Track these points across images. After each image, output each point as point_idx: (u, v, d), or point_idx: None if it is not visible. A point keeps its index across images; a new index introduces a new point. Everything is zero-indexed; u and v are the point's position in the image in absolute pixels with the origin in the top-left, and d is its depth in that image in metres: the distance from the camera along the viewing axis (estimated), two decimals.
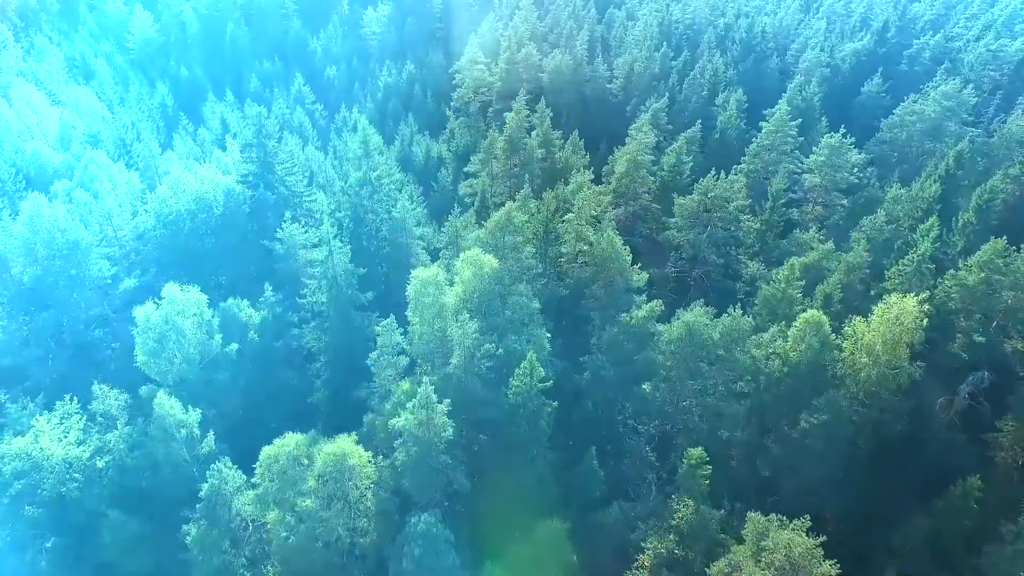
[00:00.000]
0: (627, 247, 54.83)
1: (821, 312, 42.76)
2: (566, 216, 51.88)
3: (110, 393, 42.68)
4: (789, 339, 43.13)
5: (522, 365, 37.70)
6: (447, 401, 36.01)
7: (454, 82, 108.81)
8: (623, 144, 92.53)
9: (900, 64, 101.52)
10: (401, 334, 44.69)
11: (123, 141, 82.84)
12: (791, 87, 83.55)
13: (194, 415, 39.30)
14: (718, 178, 56.37)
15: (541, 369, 37.71)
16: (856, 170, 66.46)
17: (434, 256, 62.94)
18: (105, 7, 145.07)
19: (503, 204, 73.36)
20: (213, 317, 45.03)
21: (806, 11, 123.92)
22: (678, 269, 60.75)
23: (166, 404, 37.21)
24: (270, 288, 50.77)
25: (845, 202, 66.20)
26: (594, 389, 49.19)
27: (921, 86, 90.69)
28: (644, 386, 47.04)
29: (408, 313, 45.37)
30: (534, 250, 47.89)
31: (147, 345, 40.72)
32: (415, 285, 43.74)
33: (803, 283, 47.35)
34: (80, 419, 40.45)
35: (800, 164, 67.97)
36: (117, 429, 40.59)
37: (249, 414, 50.36)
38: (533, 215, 50.17)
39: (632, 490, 46.52)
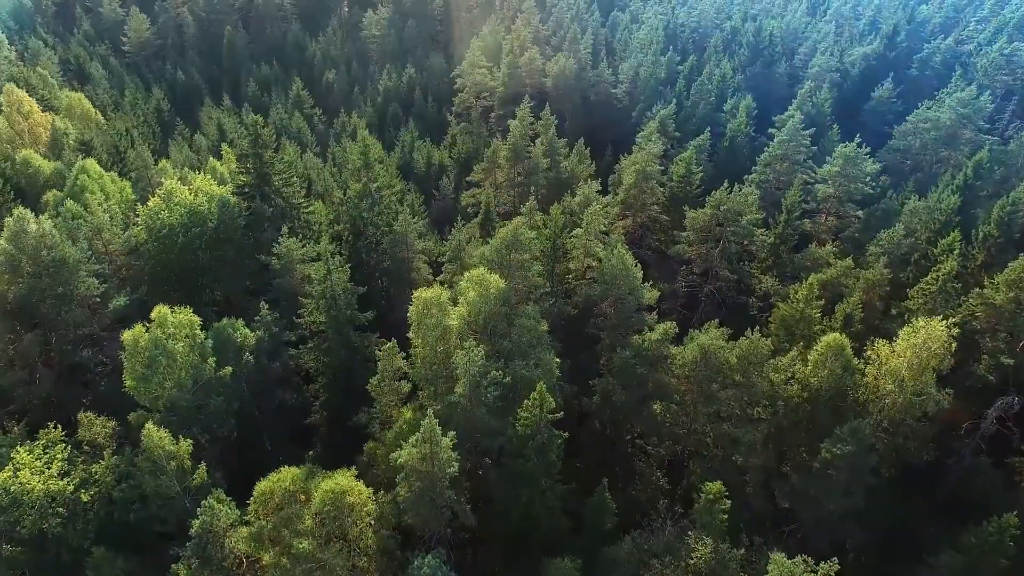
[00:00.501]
0: (636, 261, 53.12)
1: (842, 334, 40.70)
2: (574, 231, 49.87)
3: (96, 421, 40.66)
4: (809, 363, 41.13)
5: (531, 396, 35.69)
6: (452, 434, 34.00)
7: (455, 87, 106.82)
8: (629, 151, 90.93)
9: (910, 68, 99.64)
10: (404, 358, 42.66)
11: (117, 148, 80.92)
12: (801, 93, 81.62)
13: (185, 445, 37.26)
14: (731, 191, 54.36)
15: (551, 400, 35.70)
16: (870, 179, 64.41)
17: (436, 269, 61.03)
18: (101, 9, 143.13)
19: (507, 215, 71.94)
20: (206, 339, 42.99)
21: (812, 14, 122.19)
22: (689, 284, 58.74)
23: (155, 436, 35.18)
24: (266, 307, 48.71)
25: (860, 213, 64.21)
26: (604, 411, 47.20)
27: (935, 92, 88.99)
28: (655, 408, 45.06)
29: (410, 335, 43.35)
30: (541, 267, 45.87)
31: (135, 371, 38.70)
32: (417, 306, 41.71)
33: (822, 302, 45.33)
34: (64, 449, 38.41)
35: (813, 174, 65.97)
36: (104, 460, 38.56)
37: (245, 435, 48.40)
38: (540, 231, 48.16)
39: (645, 518, 44.45)
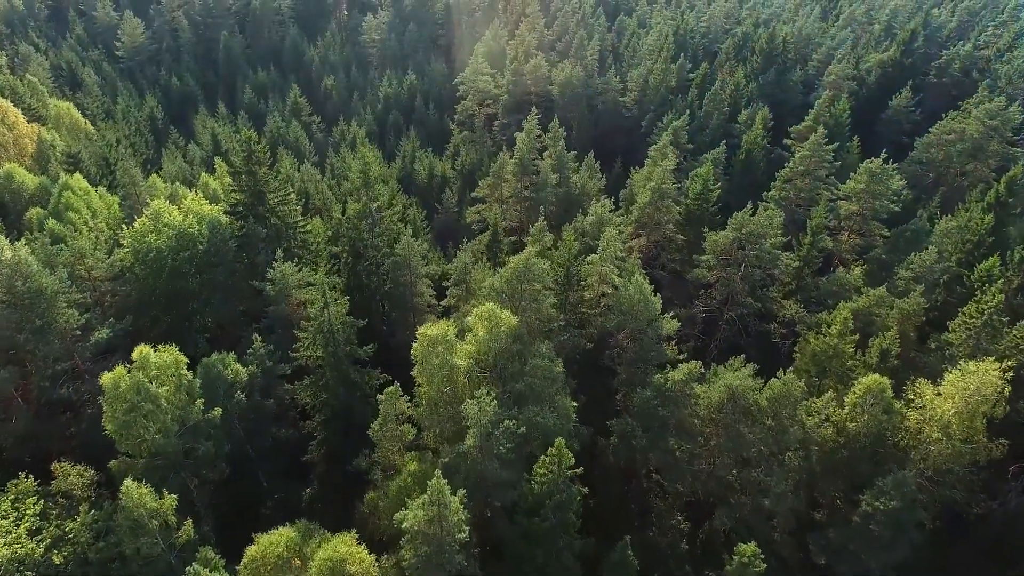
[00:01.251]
0: (651, 283, 49.97)
1: (881, 375, 37.50)
2: (588, 257, 46.65)
3: (73, 471, 37.43)
4: (846, 405, 37.95)
5: (549, 452, 32.49)
6: (461, 493, 30.81)
7: (458, 94, 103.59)
8: (639, 162, 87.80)
9: (928, 75, 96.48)
10: (408, 400, 39.44)
11: (106, 160, 77.71)
12: (819, 103, 78.35)
13: (169, 500, 34.05)
14: (754, 212, 51.14)
15: (569, 456, 32.50)
16: (895, 195, 61.22)
17: (440, 292, 57.74)
18: (95, 13, 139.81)
19: (514, 230, 68.74)
20: (194, 378, 39.75)
21: (824, 18, 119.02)
22: (708, 308, 55.51)
23: (135, 494, 31.97)
24: (259, 339, 45.50)
25: (886, 232, 60.96)
26: (621, 451, 44.00)
27: (956, 101, 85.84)
28: (675, 449, 41.88)
29: (414, 373, 40.22)
30: (555, 299, 42.62)
31: (116, 417, 35.48)
32: (422, 345, 38.57)
33: (855, 336, 42.10)
34: (37, 503, 35.21)
35: (836, 190, 62.76)
36: (80, 515, 35.32)
37: (238, 473, 45.22)
38: (553, 258, 44.96)
39: (665, 571, 41.33)
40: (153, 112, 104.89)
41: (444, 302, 55.71)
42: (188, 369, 40.24)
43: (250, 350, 45.72)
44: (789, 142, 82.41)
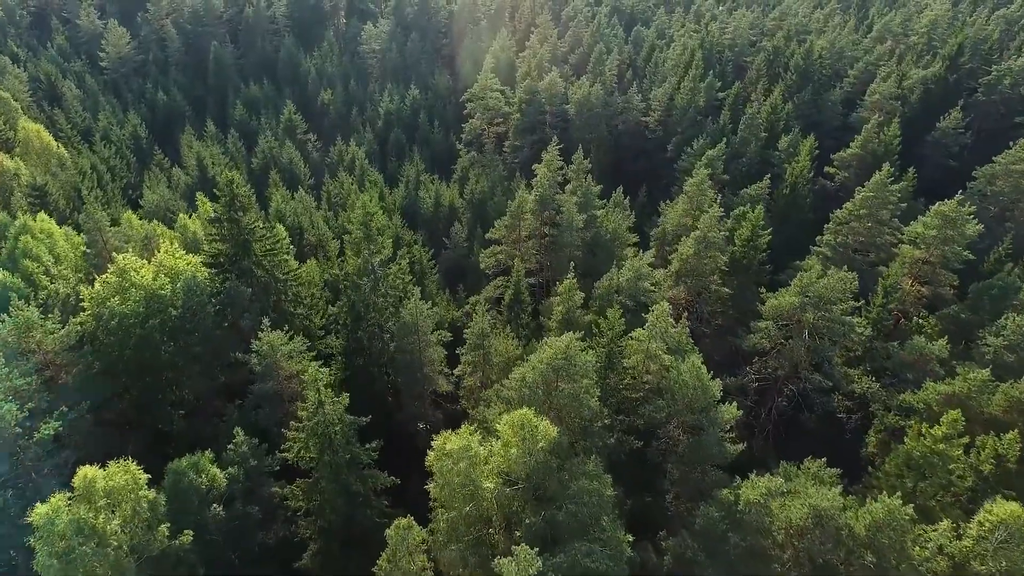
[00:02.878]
0: (694, 346, 42.64)
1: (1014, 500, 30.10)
2: (634, 332, 39.17)
3: None
4: (969, 536, 30.51)
5: None
6: None
7: (465, 111, 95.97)
8: (664, 188, 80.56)
9: (976, 92, 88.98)
10: (423, 529, 31.92)
11: (78, 192, 70.18)
12: (867, 128, 70.95)
13: None
14: (824, 273, 43.68)
15: None
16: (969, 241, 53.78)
17: (453, 357, 50.17)
18: (78, 21, 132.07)
19: (532, 272, 61.21)
20: (158, 495, 32.23)
21: (855, 28, 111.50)
22: (762, 378, 48.11)
23: None
24: (241, 433, 38.02)
25: (955, 280, 53.58)
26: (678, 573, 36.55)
27: (1011, 122, 78.54)
28: None
29: (431, 489, 32.83)
30: (599, 394, 35.04)
31: (49, 565, 27.97)
32: (439, 458, 31.20)
33: (964, 439, 34.59)
34: None
35: (899, 234, 55.33)
36: None
37: None
38: (596, 343, 37.55)
39: None
40: (136, 131, 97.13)
41: (458, 370, 48.26)
42: (152, 485, 32.81)
43: (231, 445, 38.19)
44: (831, 170, 75.14)
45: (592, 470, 30.91)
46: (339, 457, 34.19)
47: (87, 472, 29.36)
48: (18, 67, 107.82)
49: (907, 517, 30.53)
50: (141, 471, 31.36)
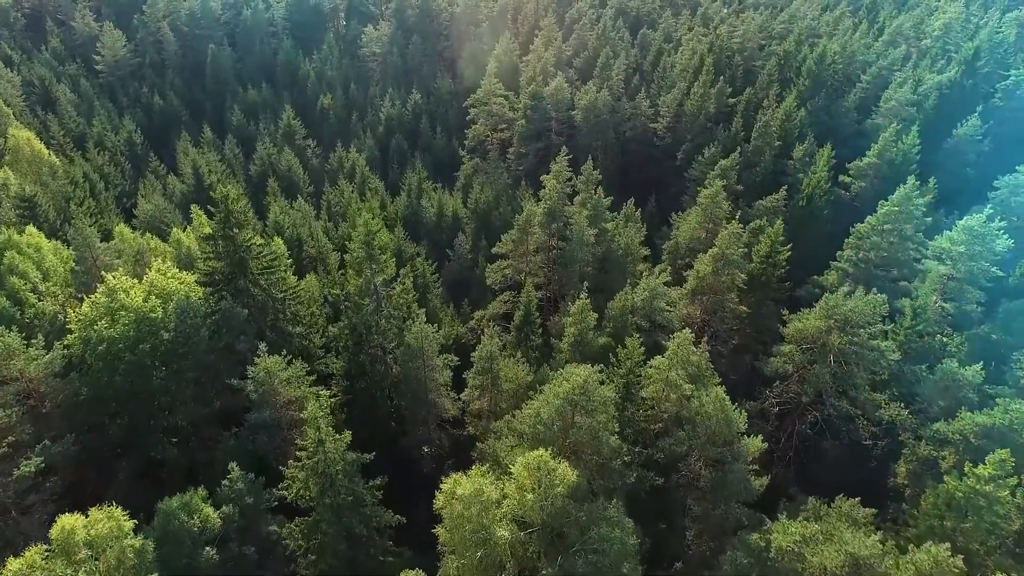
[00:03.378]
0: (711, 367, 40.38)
1: None
2: (653, 361, 36.93)
3: None
4: None
5: None
6: None
7: (468, 117, 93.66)
8: (674, 197, 78.33)
9: (993, 98, 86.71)
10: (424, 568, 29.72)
11: (69, 203, 67.84)
12: (884, 136, 68.70)
13: None
14: (851, 295, 41.46)
15: None
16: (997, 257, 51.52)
17: (459, 380, 47.81)
18: (73, 23, 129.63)
19: (540, 289, 58.92)
20: (146, 541, 29.96)
21: (866, 31, 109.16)
22: (783, 403, 45.87)
23: None
24: (236, 469, 35.76)
25: (980, 298, 51.31)
26: None
27: None
28: None
29: (439, 534, 30.60)
30: (616, 425, 32.82)
31: None
32: (450, 504, 28.98)
33: (1014, 481, 32.35)
34: None
35: (924, 249, 53.05)
36: None
37: None
38: (613, 372, 35.31)
39: None
40: (132, 136, 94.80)
41: (464, 395, 45.94)
42: (142, 513, 30.66)
43: (226, 482, 35.93)
44: (847, 179, 72.82)
45: (614, 516, 28.72)
46: (341, 498, 31.95)
47: (65, 523, 27.10)
48: (11, 71, 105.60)
49: (957, 571, 28.29)
50: (126, 517, 29.12)
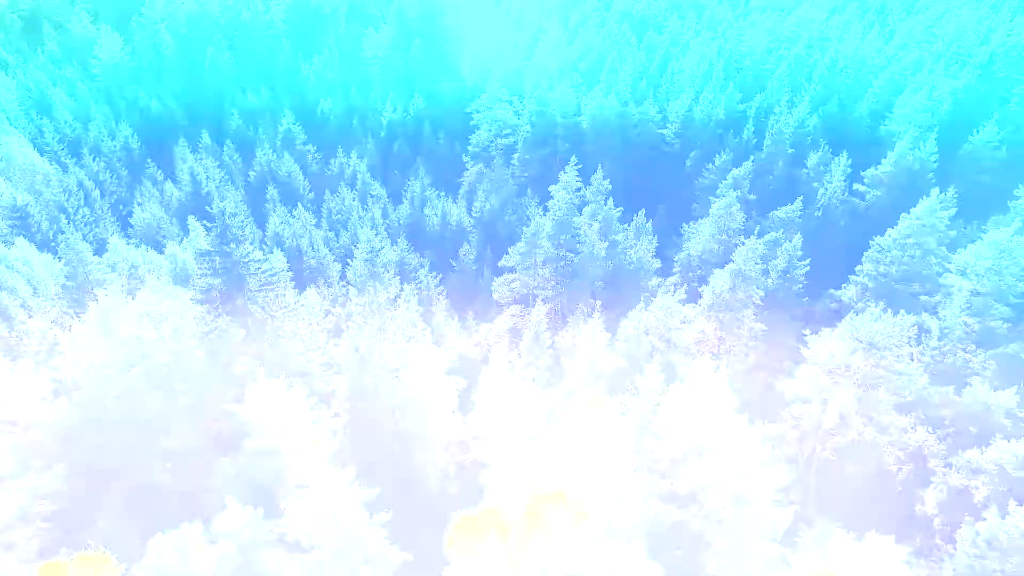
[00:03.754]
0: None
1: None
2: (671, 387, 35.11)
3: None
4: None
5: None
6: None
7: (472, 123, 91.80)
8: (684, 206, 76.36)
9: (1008, 104, 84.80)
10: None
11: (63, 211, 66.18)
12: (900, 144, 66.86)
13: None
14: (876, 317, 39.61)
15: None
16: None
17: (465, 397, 46.03)
18: (70, 26, 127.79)
19: (549, 301, 57.09)
20: None
21: (876, 36, 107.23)
22: (802, 426, 43.96)
23: None
24: (234, 500, 33.94)
25: (1007, 314, 49.44)
26: None
27: None
28: None
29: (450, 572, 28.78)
30: (634, 459, 30.97)
31: None
32: (459, 546, 27.14)
33: None
34: None
35: (947, 264, 51.26)
36: None
37: None
38: (630, 403, 33.49)
39: None
40: (128, 142, 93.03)
41: (472, 416, 44.01)
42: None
43: (222, 515, 34.09)
44: (861, 188, 70.93)
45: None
46: (344, 540, 30.06)
47: (49, 569, 25.23)
48: (7, 75, 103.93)
49: None
50: (114, 563, 27.27)
